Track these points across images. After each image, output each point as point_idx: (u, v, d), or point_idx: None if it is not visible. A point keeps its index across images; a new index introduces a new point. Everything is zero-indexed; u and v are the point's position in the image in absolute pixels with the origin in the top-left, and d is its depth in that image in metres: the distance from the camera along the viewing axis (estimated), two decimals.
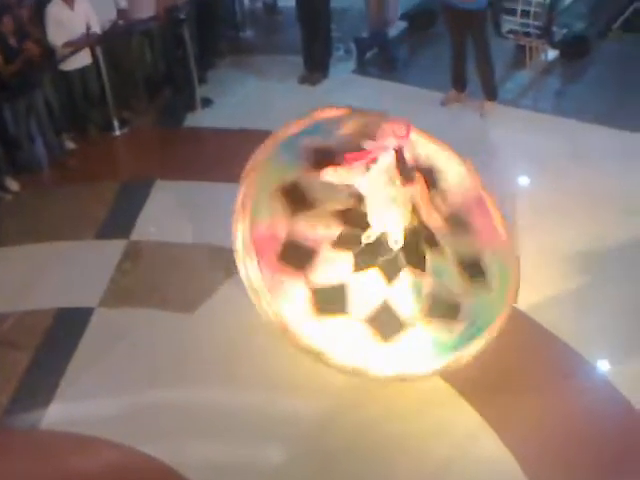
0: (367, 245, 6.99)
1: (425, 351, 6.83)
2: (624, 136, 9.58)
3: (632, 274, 7.92)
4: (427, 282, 7.01)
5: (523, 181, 9.26)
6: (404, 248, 6.94)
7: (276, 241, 7.01)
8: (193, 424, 7.02)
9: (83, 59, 10.18)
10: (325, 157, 6.88)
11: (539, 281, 7.78)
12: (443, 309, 6.90)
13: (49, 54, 9.97)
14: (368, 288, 7.12)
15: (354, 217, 7.04)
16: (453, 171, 6.85)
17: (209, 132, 10.61)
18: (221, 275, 8.29)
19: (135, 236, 8.95)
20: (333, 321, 7.00)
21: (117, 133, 10.62)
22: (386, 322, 7.00)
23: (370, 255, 7.05)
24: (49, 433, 7.07)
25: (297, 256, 6.97)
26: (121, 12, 10.55)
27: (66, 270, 8.59)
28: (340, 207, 7.12)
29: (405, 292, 7.06)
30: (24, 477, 6.78)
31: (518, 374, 7.15)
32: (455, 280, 6.90)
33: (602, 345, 7.37)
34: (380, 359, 6.83)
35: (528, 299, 7.51)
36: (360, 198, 6.90)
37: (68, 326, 7.99)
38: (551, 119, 10.07)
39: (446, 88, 10.37)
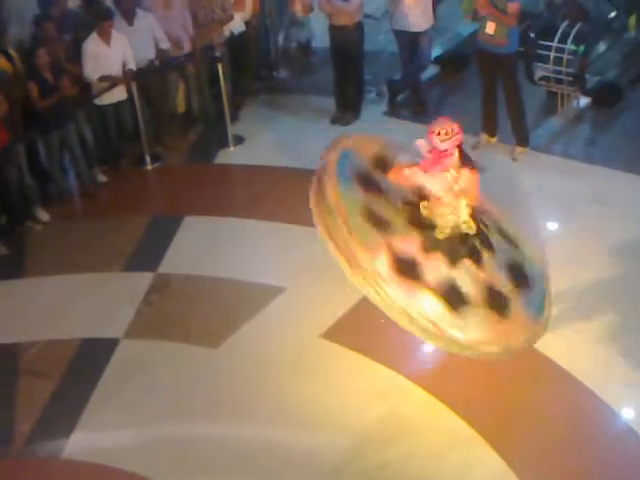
0: (444, 241, 7.10)
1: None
2: None
3: None
4: (482, 275, 7.12)
5: (552, 226, 9.24)
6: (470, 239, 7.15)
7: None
8: (212, 459, 7.01)
9: (118, 94, 10.31)
10: (369, 181, 7.31)
11: (566, 325, 7.77)
12: (496, 302, 7.01)
13: (84, 89, 10.10)
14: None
15: (419, 221, 7.18)
16: None
17: (240, 169, 10.68)
18: (247, 311, 8.34)
19: (162, 269, 8.99)
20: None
21: (149, 168, 10.72)
22: None
23: (453, 250, 7.13)
24: (69, 462, 7.09)
25: (407, 269, 6.98)
26: (160, 51, 10.68)
27: (93, 301, 8.64)
28: (404, 217, 7.26)
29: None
30: None
31: (543, 419, 7.09)
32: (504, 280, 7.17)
33: (629, 397, 7.29)
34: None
35: (555, 344, 7.52)
36: (413, 201, 7.18)
37: (93, 356, 8.04)
38: (581, 166, 10.03)
39: (477, 132, 10.38)
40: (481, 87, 10.31)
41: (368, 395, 7.40)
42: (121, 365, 7.90)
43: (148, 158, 10.70)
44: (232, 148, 10.97)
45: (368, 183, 7.33)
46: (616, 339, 7.73)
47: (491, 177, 9.54)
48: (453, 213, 7.03)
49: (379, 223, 7.13)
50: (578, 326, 7.86)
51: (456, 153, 6.96)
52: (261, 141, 10.98)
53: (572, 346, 7.68)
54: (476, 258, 7.12)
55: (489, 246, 7.26)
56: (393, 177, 7.29)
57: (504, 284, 7.14)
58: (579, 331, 7.82)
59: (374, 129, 10.60)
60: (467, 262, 7.08)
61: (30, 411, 7.49)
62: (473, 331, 6.88)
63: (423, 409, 7.28)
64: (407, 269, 6.94)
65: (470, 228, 7.09)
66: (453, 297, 6.93)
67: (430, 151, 7.11)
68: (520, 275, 7.28)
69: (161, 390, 7.64)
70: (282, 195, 9.82)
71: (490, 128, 10.41)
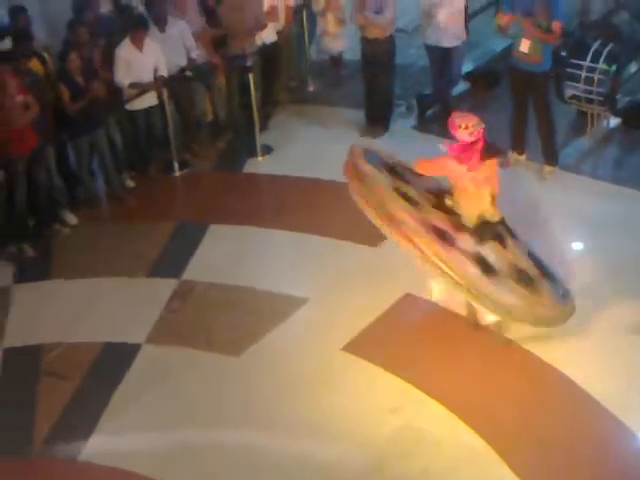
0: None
1: None
2: None
3: None
4: (509, 255, 7.60)
5: (577, 246, 9.22)
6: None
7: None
8: (230, 467, 7.01)
9: (149, 100, 10.37)
10: (395, 171, 8.15)
11: (588, 349, 7.77)
12: (523, 278, 7.48)
13: (116, 94, 10.17)
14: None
15: (445, 208, 7.79)
16: None
17: (267, 179, 10.71)
18: (269, 321, 8.36)
19: (187, 276, 9.02)
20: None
21: (177, 174, 10.77)
22: None
23: (480, 231, 7.60)
24: (87, 465, 7.11)
25: (441, 235, 7.63)
26: (191, 60, 10.74)
27: (116, 305, 8.69)
28: (431, 203, 7.89)
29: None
30: None
31: (560, 438, 7.05)
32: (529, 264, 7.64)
33: None
34: None
35: (574, 362, 7.56)
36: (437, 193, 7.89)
37: (114, 360, 8.08)
38: (610, 187, 9.98)
39: (506, 149, 10.34)
40: (512, 104, 10.28)
41: (385, 409, 7.39)
42: (142, 370, 7.93)
43: (176, 165, 10.75)
44: (260, 158, 11.00)
45: (394, 172, 8.09)
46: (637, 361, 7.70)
47: (519, 195, 9.59)
48: (477, 203, 7.45)
49: (410, 201, 7.78)
50: (600, 348, 7.82)
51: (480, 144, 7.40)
52: (289, 151, 11.00)
53: (591, 365, 7.65)
54: (501, 241, 7.55)
55: (512, 234, 7.70)
56: (422, 166, 7.84)
57: (529, 267, 7.53)
58: (599, 352, 7.78)
59: (403, 143, 10.62)
60: (493, 243, 7.53)
61: (50, 412, 7.52)
62: (505, 295, 7.36)
63: (439, 423, 7.25)
64: (441, 235, 7.56)
65: (493, 216, 7.53)
66: (484, 265, 7.44)
67: (455, 147, 7.51)
68: (543, 266, 7.67)
69: (181, 396, 7.66)
70: (308, 206, 9.87)
71: (519, 146, 10.38)
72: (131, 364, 7.98)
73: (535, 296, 7.41)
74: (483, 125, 7.43)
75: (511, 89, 10.32)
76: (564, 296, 7.56)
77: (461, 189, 7.51)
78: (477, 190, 7.45)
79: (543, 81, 9.96)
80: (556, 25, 9.56)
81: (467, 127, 7.36)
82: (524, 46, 9.73)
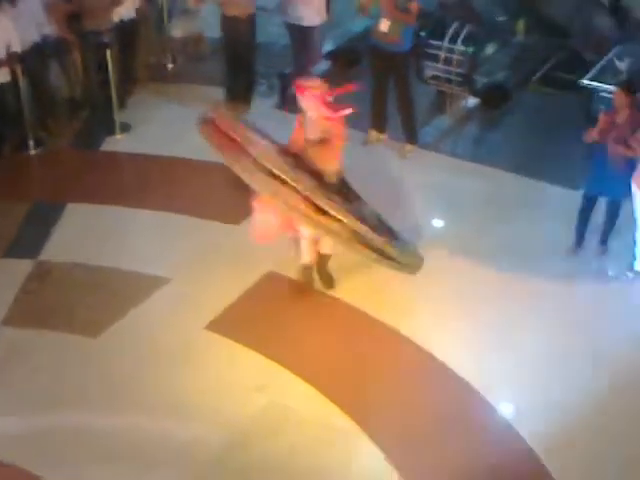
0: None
1: None
2: (535, 185, 9.73)
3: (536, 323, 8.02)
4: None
5: (436, 223, 9.34)
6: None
7: None
8: (91, 449, 6.87)
9: (1, 77, 10.01)
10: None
11: (450, 326, 7.94)
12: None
13: None
14: None
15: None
16: None
17: (125, 157, 10.49)
18: (130, 301, 8.22)
19: (44, 257, 8.77)
20: None
21: (32, 152, 10.46)
22: None
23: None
24: None
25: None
26: (45, 36, 10.42)
27: None
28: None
29: None
30: None
31: (423, 411, 7.19)
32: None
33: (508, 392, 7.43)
34: None
35: (435, 338, 7.71)
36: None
37: None
38: (468, 165, 10.16)
39: (365, 128, 10.41)
40: (372, 84, 10.33)
41: (250, 387, 7.37)
42: None
43: (31, 143, 10.44)
44: (118, 135, 10.78)
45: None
46: (492, 335, 7.87)
47: (380, 173, 9.66)
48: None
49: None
50: (459, 322, 7.99)
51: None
52: (148, 129, 10.81)
53: (452, 341, 7.79)
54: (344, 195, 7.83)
55: (357, 195, 7.99)
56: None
57: (372, 221, 7.80)
58: (458, 326, 7.95)
59: (264, 122, 10.47)
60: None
61: None
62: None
63: (304, 401, 7.27)
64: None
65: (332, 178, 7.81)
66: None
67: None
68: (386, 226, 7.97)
69: (40, 379, 7.46)
70: (169, 184, 9.75)
71: (379, 125, 10.45)
72: None
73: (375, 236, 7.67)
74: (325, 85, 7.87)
75: (371, 68, 10.36)
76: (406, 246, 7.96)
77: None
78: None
79: (403, 61, 10.03)
80: (413, 6, 9.66)
81: (314, 88, 7.77)
82: (384, 26, 9.78)
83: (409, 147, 10.34)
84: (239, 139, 7.88)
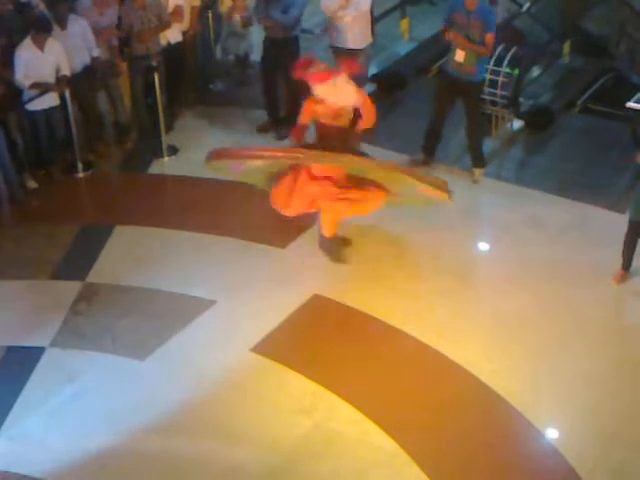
0: None
1: None
2: (580, 208, 9.68)
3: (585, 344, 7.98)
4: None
5: (482, 247, 9.33)
6: None
7: None
8: (138, 472, 6.91)
9: (49, 100, 10.16)
10: None
11: (496, 351, 7.90)
12: None
13: (16, 94, 9.95)
14: None
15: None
16: None
17: (173, 180, 10.60)
18: (176, 323, 8.26)
19: (91, 279, 8.86)
20: None
21: (80, 175, 10.58)
22: None
23: None
24: None
25: None
26: (94, 59, 10.58)
27: (19, 309, 8.50)
28: None
29: None
30: None
31: (471, 439, 7.14)
32: None
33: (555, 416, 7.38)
34: None
35: (482, 364, 7.67)
36: None
37: (17, 365, 7.88)
38: (513, 188, 10.14)
39: (410, 152, 10.43)
40: (433, 108, 10.34)
41: (295, 410, 7.38)
42: (47, 374, 7.76)
43: (80, 166, 10.56)
44: (166, 158, 10.89)
45: None
46: (540, 360, 7.82)
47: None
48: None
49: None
50: (506, 347, 7.95)
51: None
52: (195, 152, 10.80)
53: (499, 366, 7.75)
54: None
55: None
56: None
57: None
58: (506, 352, 7.91)
59: None
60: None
61: None
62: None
63: (349, 424, 7.26)
64: None
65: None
66: None
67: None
68: None
69: (86, 401, 7.52)
70: (215, 207, 9.80)
71: (432, 147, 10.44)
72: (35, 368, 7.80)
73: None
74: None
75: (438, 95, 10.38)
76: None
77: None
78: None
79: (475, 90, 10.13)
80: (489, 37, 9.70)
81: (317, 69, 8.27)
82: (459, 56, 9.85)
83: (479, 171, 10.34)
84: (249, 152, 8.66)
